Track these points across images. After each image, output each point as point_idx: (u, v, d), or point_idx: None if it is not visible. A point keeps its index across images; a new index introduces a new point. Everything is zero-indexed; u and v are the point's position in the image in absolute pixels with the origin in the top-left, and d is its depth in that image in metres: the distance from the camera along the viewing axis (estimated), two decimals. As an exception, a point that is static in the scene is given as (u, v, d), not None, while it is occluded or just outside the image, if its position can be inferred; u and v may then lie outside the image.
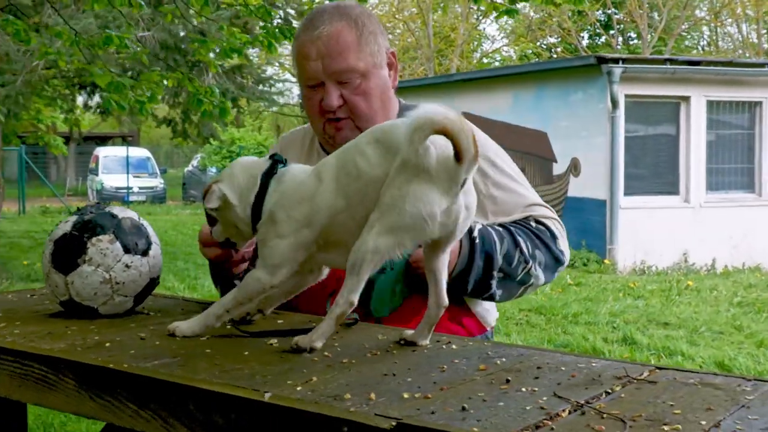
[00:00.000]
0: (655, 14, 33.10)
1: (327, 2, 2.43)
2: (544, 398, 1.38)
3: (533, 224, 2.24)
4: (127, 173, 29.16)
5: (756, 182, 14.41)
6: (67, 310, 2.06)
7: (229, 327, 1.91)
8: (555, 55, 35.11)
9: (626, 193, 13.49)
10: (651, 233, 13.36)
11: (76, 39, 5.53)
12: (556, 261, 2.27)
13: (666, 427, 1.23)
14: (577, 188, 14.05)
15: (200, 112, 5.49)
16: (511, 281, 2.18)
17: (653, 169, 13.97)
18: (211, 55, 5.77)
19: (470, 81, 17.14)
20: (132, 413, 1.54)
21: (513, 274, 2.16)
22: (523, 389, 1.44)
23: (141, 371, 1.55)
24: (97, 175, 30.53)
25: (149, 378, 1.52)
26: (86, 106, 25.90)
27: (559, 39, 36.23)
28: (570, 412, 1.32)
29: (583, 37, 36.38)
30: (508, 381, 1.49)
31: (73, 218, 2.07)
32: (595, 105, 13.63)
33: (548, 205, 2.34)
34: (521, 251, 2.16)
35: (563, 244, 2.30)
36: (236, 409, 1.41)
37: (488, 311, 2.37)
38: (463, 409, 1.32)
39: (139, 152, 32.75)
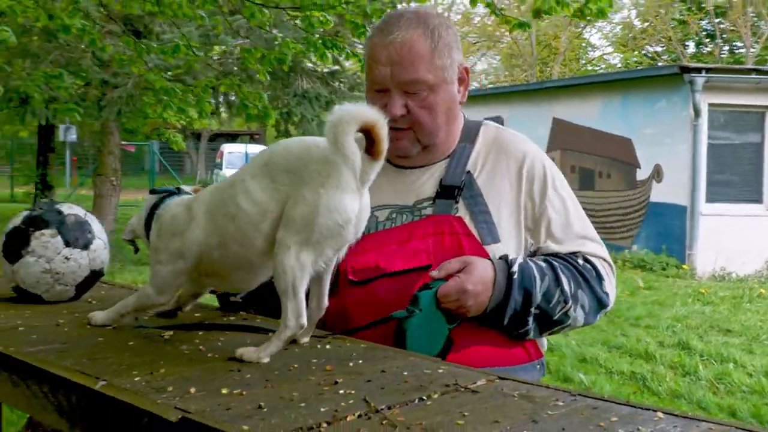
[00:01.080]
0: (762, 23, 31.81)
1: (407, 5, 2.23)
2: (351, 402, 1.37)
3: (580, 262, 2.07)
4: (246, 168, 29.85)
5: (843, 192, 13.71)
6: (18, 295, 2.16)
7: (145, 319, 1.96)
8: (660, 64, 34.16)
9: (708, 200, 13.08)
10: (733, 240, 12.88)
11: (154, 48, 5.73)
12: (599, 303, 2.09)
13: None
14: (659, 194, 13.69)
15: (246, 115, 5.61)
16: (548, 320, 2.03)
17: (737, 177, 13.47)
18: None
19: (562, 88, 16.88)
20: (10, 389, 1.62)
21: (551, 313, 2.01)
22: (342, 391, 1.43)
23: (17, 354, 1.61)
24: (221, 169, 31.39)
25: (20, 360, 1.59)
26: (217, 107, 26.76)
27: (664, 48, 35.24)
28: (359, 416, 1.30)
29: (687, 46, 35.27)
30: (336, 383, 1.49)
31: (24, 213, 2.16)
32: (678, 113, 13.24)
33: (601, 242, 2.17)
34: (562, 290, 2.00)
35: (609, 286, 2.11)
36: (76, 393, 1.46)
37: (541, 338, 2.21)
38: (259, 407, 1.32)
39: (258, 149, 33.45)
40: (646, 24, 33.86)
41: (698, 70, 12.78)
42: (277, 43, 5.39)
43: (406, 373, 1.57)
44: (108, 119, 10.95)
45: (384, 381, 1.52)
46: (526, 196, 2.11)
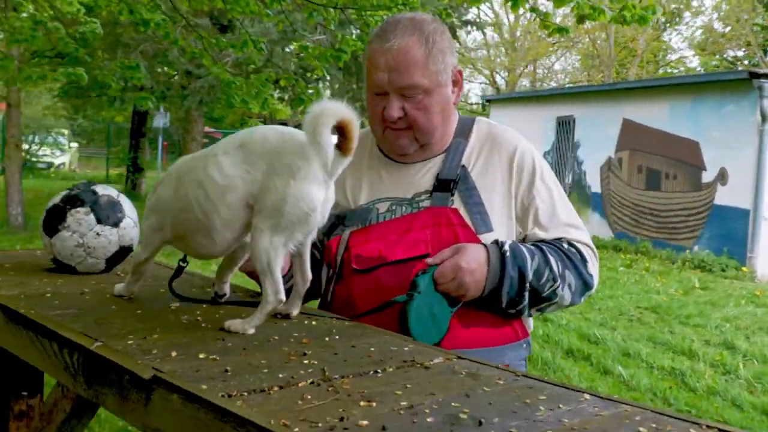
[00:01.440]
0: None
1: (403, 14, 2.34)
2: (310, 371, 1.49)
3: (565, 246, 2.14)
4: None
5: None
6: (56, 266, 2.34)
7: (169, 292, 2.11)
8: (741, 68, 33.22)
9: (772, 205, 12.75)
10: (795, 245, 12.55)
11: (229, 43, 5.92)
12: (585, 284, 2.15)
13: (363, 402, 1.31)
14: (723, 197, 13.38)
15: (303, 108, 5.74)
16: (538, 297, 2.08)
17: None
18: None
19: (632, 90, 16.61)
20: (29, 346, 1.79)
21: (540, 290, 2.07)
22: (306, 362, 1.55)
23: (35, 316, 1.78)
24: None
25: (36, 322, 1.75)
26: (281, 99, 27.28)
27: (745, 53, 34.22)
28: (311, 383, 1.42)
29: (768, 51, 34.18)
30: (304, 354, 1.60)
31: (64, 193, 2.34)
32: (745, 118, 12.92)
33: (585, 229, 2.23)
34: (551, 269, 2.06)
35: (593, 269, 2.17)
36: (78, 352, 1.61)
37: (527, 318, 2.25)
38: (225, 371, 1.45)
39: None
40: (728, 28, 32.94)
41: (767, 76, 12.46)
42: (338, 39, 5.51)
43: (373, 349, 1.68)
44: (191, 108, 11.27)
45: (349, 355, 1.63)
46: (515, 187, 2.17)
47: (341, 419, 1.23)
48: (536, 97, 20.98)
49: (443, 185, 2.14)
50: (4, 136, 13.38)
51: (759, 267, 12.58)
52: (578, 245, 2.16)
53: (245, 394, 1.33)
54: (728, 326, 8.51)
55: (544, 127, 18.57)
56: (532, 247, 2.09)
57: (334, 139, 1.70)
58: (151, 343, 1.61)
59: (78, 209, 2.26)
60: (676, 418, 1.34)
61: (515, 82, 36.76)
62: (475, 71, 38.42)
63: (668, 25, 34.79)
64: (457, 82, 2.18)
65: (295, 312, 1.91)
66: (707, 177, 13.79)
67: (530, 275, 2.04)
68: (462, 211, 2.11)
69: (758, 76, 12.48)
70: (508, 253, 2.02)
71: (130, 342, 1.61)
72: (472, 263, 1.98)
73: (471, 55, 37.34)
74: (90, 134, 36.41)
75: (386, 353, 1.65)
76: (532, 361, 6.43)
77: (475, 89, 40.81)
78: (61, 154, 28.85)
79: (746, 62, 33.80)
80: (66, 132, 29.57)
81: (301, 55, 6.12)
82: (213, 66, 5.64)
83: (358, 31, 5.28)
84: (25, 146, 26.93)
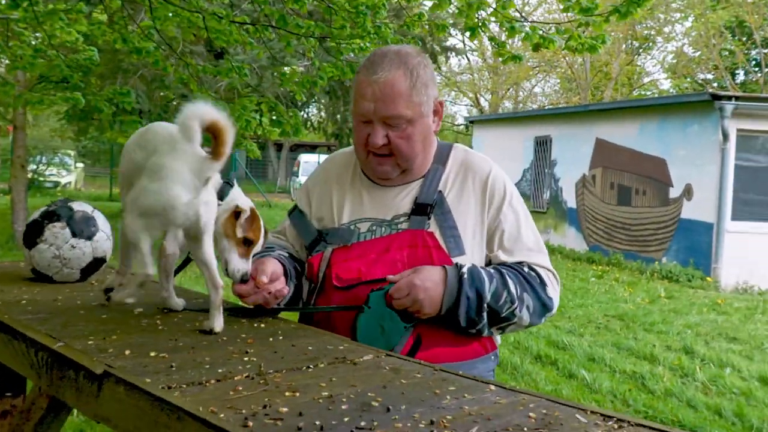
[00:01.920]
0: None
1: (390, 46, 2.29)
2: (248, 366, 1.58)
3: (525, 269, 2.16)
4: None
5: None
6: (35, 276, 2.42)
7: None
8: (710, 90, 33.51)
9: (734, 218, 12.91)
10: (756, 256, 12.68)
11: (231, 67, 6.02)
12: (544, 306, 2.16)
13: (289, 393, 1.41)
14: (689, 211, 13.55)
15: (281, 131, 5.85)
16: (496, 317, 2.10)
17: (762, 197, 13.23)
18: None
19: (604, 111, 16.80)
20: (2, 347, 1.87)
21: (499, 311, 2.09)
22: (246, 359, 1.64)
23: (8, 320, 1.86)
24: (297, 177, 31.93)
25: (7, 325, 1.84)
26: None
27: (714, 76, 34.53)
28: (246, 377, 1.51)
29: (738, 74, 34.50)
30: (247, 352, 1.69)
31: (43, 209, 2.43)
32: (708, 137, 13.09)
33: (546, 253, 2.26)
34: (509, 291, 2.08)
35: (552, 292, 2.18)
36: (43, 351, 1.70)
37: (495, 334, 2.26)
38: (171, 366, 1.54)
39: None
40: (697, 53, 33.26)
41: (728, 98, 12.63)
42: (316, 67, 5.62)
43: (311, 348, 1.77)
44: (186, 129, 11.34)
45: (287, 353, 1.72)
46: (486, 212, 2.21)
47: (264, 407, 1.32)
48: (516, 118, 21.14)
49: (420, 209, 2.18)
50: (11, 157, 13.41)
51: (722, 277, 12.73)
52: (538, 269, 2.18)
53: (184, 386, 1.42)
54: (689, 332, 8.62)
55: (523, 146, 18.72)
56: (492, 270, 2.12)
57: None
58: (109, 343, 1.70)
59: (55, 224, 2.35)
60: (564, 404, 1.43)
61: (498, 104, 36.98)
62: (461, 94, 38.66)
63: (642, 50, 35.09)
64: (437, 112, 2.22)
65: (218, 327, 1.88)
66: (674, 192, 13.94)
67: (488, 296, 2.06)
68: (437, 234, 2.15)
69: (719, 97, 12.67)
70: (465, 275, 2.05)
71: (90, 342, 1.70)
72: (427, 281, 2.02)
73: (456, 79, 37.56)
74: (96, 155, 36.48)
75: (321, 352, 1.74)
76: (502, 366, 6.52)
77: (461, 111, 41.05)
78: (67, 173, 28.86)
79: (715, 84, 34.13)
80: (72, 153, 29.59)
81: (279, 80, 6.21)
82: (197, 91, 5.74)
83: (333, 59, 5.39)
84: (33, 166, 27.03)
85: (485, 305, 2.07)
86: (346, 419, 1.28)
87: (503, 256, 2.19)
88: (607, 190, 15.88)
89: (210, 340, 1.79)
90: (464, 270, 2.06)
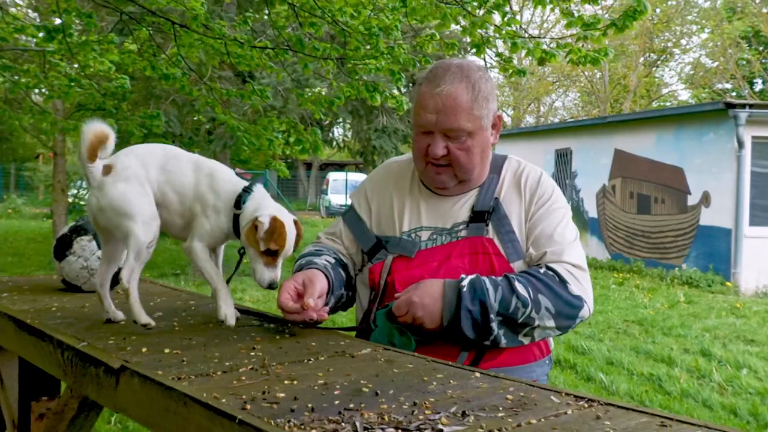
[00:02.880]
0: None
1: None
2: (253, 360, 1.67)
3: (541, 270, 2.08)
4: (346, 193, 30.58)
5: None
6: (65, 286, 2.55)
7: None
8: (729, 99, 33.26)
9: (752, 223, 12.82)
10: (775, 260, 12.61)
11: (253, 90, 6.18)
12: (569, 305, 2.06)
13: (287, 381, 1.49)
14: (707, 218, 13.47)
15: (301, 148, 5.96)
16: (514, 323, 2.03)
17: (779, 202, 13.15)
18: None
19: (622, 122, 16.75)
20: (33, 349, 1.99)
21: (514, 317, 2.01)
22: (253, 354, 1.73)
23: (38, 324, 1.98)
24: (326, 194, 32.19)
25: (37, 329, 1.95)
26: (326, 140, 27.49)
27: (732, 86, 34.29)
28: (251, 368, 1.60)
29: (756, 83, 34.25)
30: (254, 348, 1.79)
31: (72, 224, 2.55)
32: (723, 145, 13.04)
33: (578, 250, 2.16)
34: (518, 296, 2.00)
35: (578, 290, 2.08)
36: (68, 350, 1.81)
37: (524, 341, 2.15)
38: (182, 361, 1.64)
39: (359, 177, 34.21)
40: (715, 64, 33.07)
41: (742, 106, 12.59)
42: (334, 87, 5.75)
43: (314, 344, 1.86)
44: (216, 151, 11.57)
45: (291, 348, 1.81)
46: (529, 212, 2.19)
47: (264, 393, 1.41)
48: (537, 132, 21.16)
49: (478, 216, 2.17)
50: (52, 182, 13.70)
51: (742, 281, 12.63)
52: (557, 267, 2.09)
53: (192, 377, 1.52)
54: (707, 336, 8.57)
55: (544, 159, 18.73)
56: (498, 279, 2.05)
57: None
58: (128, 343, 1.81)
59: (82, 237, 2.47)
60: (542, 388, 1.51)
61: (520, 119, 36.99)
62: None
63: (660, 62, 34.92)
64: (495, 126, 2.20)
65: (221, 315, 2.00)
66: (692, 200, 13.88)
67: (495, 305, 2.00)
68: (496, 241, 2.14)
69: (733, 106, 12.62)
70: (465, 288, 2.00)
71: (110, 342, 1.81)
72: (425, 297, 2.00)
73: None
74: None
75: (323, 347, 1.83)
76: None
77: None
78: (106, 197, 29.32)
79: (733, 93, 33.87)
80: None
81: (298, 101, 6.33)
82: (221, 114, 5.89)
83: (349, 79, 5.51)
84: (74, 191, 27.51)
85: (492, 315, 2.00)
86: (336, 402, 1.36)
87: (533, 252, 2.15)
88: (626, 200, 15.83)
89: (221, 339, 1.89)
90: (464, 283, 2.02)
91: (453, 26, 4.83)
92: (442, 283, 2.04)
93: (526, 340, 2.09)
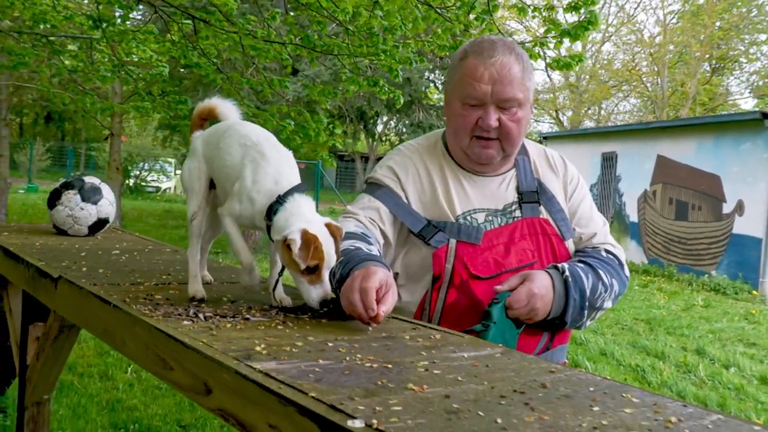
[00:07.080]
0: None
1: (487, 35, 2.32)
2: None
3: (604, 254, 2.15)
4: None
5: None
6: (56, 231, 3.16)
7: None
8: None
9: (783, 234, 12.96)
10: (806, 272, 12.71)
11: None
12: (624, 287, 2.16)
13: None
14: (740, 226, 13.62)
15: (306, 135, 6.50)
16: (592, 308, 2.08)
17: (813, 213, 13.21)
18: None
19: (665, 128, 16.91)
20: (12, 267, 2.58)
21: (595, 304, 2.07)
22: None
23: (18, 252, 2.57)
24: (381, 187, 32.70)
25: (18, 256, 2.54)
26: (371, 133, 27.92)
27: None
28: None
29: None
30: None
31: (63, 180, 3.16)
32: (759, 154, 13.19)
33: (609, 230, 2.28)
34: (603, 283, 2.07)
35: (627, 270, 2.20)
36: (30, 267, 2.39)
37: None
38: (115, 283, 2.20)
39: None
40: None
41: (778, 116, 12.74)
42: (344, 80, 6.27)
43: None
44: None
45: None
46: (568, 193, 2.25)
47: (167, 299, 1.96)
48: (585, 134, 21.36)
49: (527, 196, 2.18)
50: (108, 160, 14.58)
51: (769, 291, 12.80)
52: (614, 251, 2.20)
53: (107, 285, 2.09)
54: (710, 337, 8.84)
55: (590, 162, 18.96)
56: (582, 265, 2.08)
57: None
58: (78, 268, 2.38)
59: (69, 191, 3.07)
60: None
61: (579, 122, 36.99)
62: (543, 111, 38.82)
63: (725, 69, 34.46)
64: (535, 101, 2.42)
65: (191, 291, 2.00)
66: (727, 208, 14.02)
67: (588, 293, 2.04)
68: (551, 221, 2.17)
69: (769, 116, 12.77)
70: (570, 279, 2.02)
71: (63, 264, 2.39)
72: (542, 289, 1.98)
73: (539, 97, 37.77)
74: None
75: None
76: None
77: (544, 128, 41.15)
78: (167, 180, 30.52)
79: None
80: (173, 160, 31.19)
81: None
82: (240, 100, 6.51)
83: (350, 74, 6.03)
84: (136, 172, 28.72)
85: (587, 303, 2.05)
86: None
87: (580, 231, 2.22)
88: (666, 205, 16.00)
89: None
90: (567, 273, 2.03)
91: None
92: (548, 273, 2.03)
93: (589, 322, 2.17)
